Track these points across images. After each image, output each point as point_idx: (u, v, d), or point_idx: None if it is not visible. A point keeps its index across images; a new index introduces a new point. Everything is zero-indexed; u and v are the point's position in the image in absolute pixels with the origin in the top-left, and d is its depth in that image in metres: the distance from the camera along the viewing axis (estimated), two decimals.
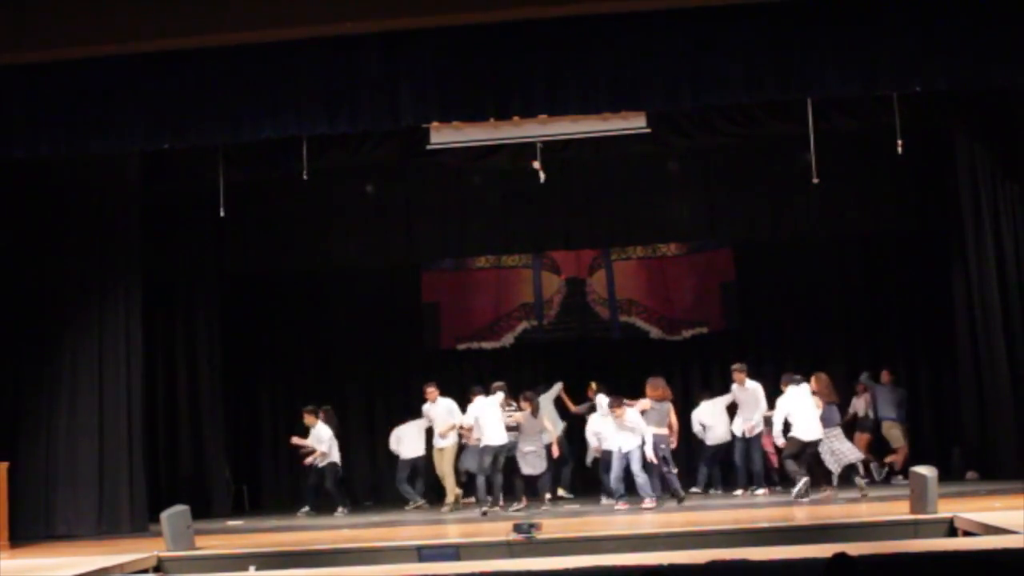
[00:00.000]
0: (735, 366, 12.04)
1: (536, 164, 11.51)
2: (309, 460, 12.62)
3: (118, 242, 11.87)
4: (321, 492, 12.77)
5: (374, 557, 8.66)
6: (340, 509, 12.51)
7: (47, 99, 9.76)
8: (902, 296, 13.75)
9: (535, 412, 11.60)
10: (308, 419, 12.64)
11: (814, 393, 11.13)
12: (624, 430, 11.10)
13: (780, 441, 11.08)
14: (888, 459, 12.63)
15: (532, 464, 11.55)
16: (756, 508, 10.63)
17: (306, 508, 12.66)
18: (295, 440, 12.94)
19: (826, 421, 11.05)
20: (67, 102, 9.76)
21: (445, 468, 12.33)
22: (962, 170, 12.19)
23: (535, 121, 10.87)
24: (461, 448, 12.30)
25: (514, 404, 11.83)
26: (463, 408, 11.95)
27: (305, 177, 11.02)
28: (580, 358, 14.04)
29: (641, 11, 9.43)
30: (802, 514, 9.81)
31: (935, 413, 13.49)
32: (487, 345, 14.42)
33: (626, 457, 11.08)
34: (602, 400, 11.56)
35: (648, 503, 10.96)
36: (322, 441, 12.55)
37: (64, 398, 11.53)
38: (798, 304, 14.02)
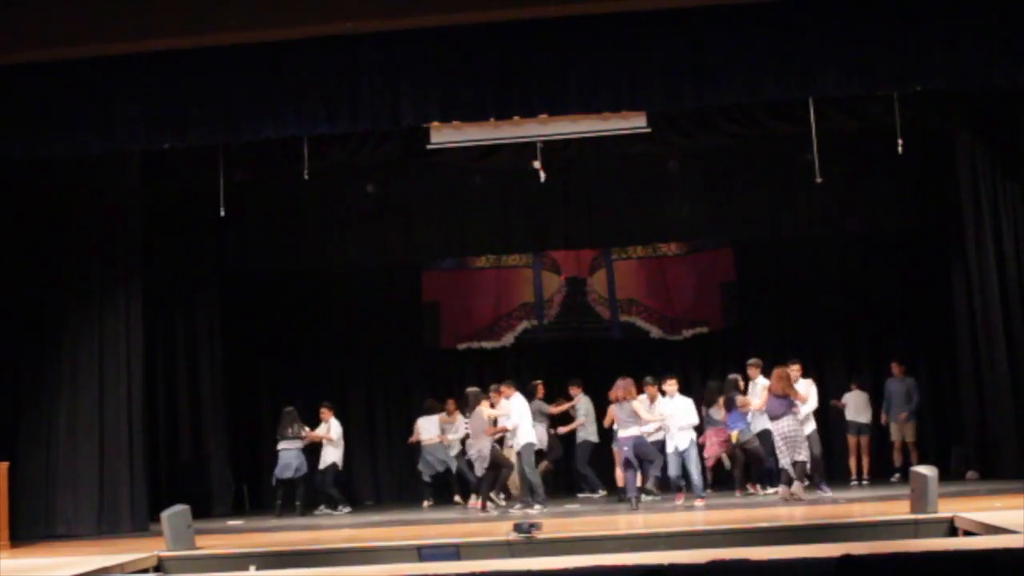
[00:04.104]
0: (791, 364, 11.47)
1: (536, 164, 11.50)
2: None
3: (118, 242, 11.87)
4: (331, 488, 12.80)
5: (374, 557, 8.67)
6: (323, 507, 12.62)
7: (47, 99, 9.76)
8: (902, 296, 13.75)
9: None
10: (325, 414, 12.74)
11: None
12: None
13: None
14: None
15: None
16: (756, 508, 10.63)
17: (322, 507, 12.71)
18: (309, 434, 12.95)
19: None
20: (67, 102, 9.77)
21: None
22: (962, 170, 12.18)
23: (535, 121, 10.86)
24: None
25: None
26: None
27: (306, 177, 11.03)
28: (580, 358, 14.03)
29: (641, 11, 9.43)
30: (802, 514, 9.81)
31: (935, 413, 13.47)
32: (487, 345, 14.41)
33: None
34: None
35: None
36: (334, 435, 12.63)
37: (64, 398, 11.53)
38: (798, 304, 14.02)
